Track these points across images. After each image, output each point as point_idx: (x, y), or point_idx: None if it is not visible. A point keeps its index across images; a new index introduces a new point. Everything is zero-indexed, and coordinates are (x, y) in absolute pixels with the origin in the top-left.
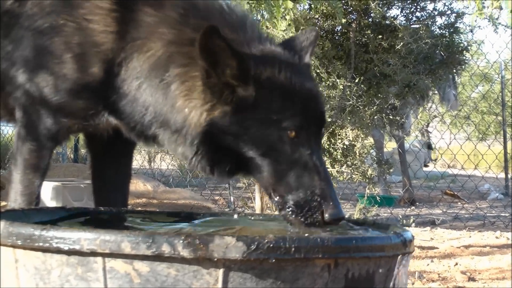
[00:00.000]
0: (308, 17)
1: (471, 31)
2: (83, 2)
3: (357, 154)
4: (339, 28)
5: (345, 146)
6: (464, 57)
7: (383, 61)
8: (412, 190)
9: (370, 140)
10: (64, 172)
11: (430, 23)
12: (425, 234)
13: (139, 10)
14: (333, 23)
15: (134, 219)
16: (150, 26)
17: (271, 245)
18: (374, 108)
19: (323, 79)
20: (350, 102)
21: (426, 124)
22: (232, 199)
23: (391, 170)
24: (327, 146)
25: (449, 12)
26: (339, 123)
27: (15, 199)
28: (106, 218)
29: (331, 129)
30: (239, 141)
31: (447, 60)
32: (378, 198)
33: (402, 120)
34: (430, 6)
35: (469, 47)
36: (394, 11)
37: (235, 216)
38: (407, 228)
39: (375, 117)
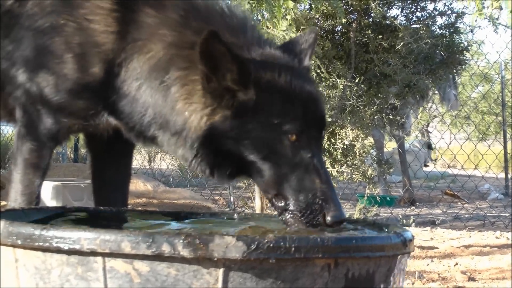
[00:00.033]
0: (308, 17)
1: (471, 31)
2: (83, 2)
3: (357, 154)
4: (339, 28)
5: (345, 146)
6: (464, 57)
7: (383, 61)
8: (412, 190)
9: (370, 140)
10: (64, 172)
11: (430, 23)
12: (425, 234)
13: (140, 11)
14: (333, 23)
15: (126, 217)
16: (151, 27)
17: (271, 245)
18: (374, 108)
19: (323, 79)
20: (350, 102)
21: (426, 124)
22: (232, 199)
23: (391, 170)
24: (327, 146)
25: (449, 12)
26: (339, 123)
27: (15, 199)
28: (84, 216)
29: (331, 129)
30: (240, 145)
31: (447, 60)
32: (378, 198)
33: (402, 120)
34: (430, 6)
35: (469, 47)
36: (394, 11)
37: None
38: (407, 228)
39: (375, 117)
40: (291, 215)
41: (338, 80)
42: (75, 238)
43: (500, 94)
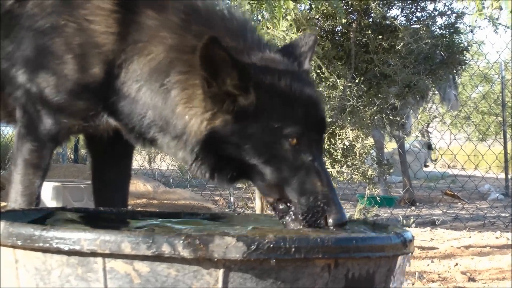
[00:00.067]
0: (308, 17)
1: (471, 31)
2: (84, 2)
3: (357, 154)
4: (339, 28)
5: (345, 147)
6: (464, 58)
7: (383, 61)
8: (412, 190)
9: (370, 140)
10: (64, 173)
11: (430, 23)
12: (425, 235)
13: (141, 12)
14: (333, 23)
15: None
16: (152, 29)
17: (271, 245)
18: (374, 108)
19: (323, 79)
20: (350, 102)
21: (426, 124)
22: (232, 199)
23: (391, 171)
24: (327, 146)
25: (449, 12)
26: (339, 124)
27: (15, 199)
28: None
29: (332, 129)
30: (240, 149)
31: (448, 61)
32: (378, 198)
33: (402, 120)
34: (430, 6)
35: (469, 48)
36: (394, 11)
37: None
38: (407, 228)
39: (375, 117)
40: (293, 218)
41: (338, 80)
42: (75, 239)
43: (500, 94)
